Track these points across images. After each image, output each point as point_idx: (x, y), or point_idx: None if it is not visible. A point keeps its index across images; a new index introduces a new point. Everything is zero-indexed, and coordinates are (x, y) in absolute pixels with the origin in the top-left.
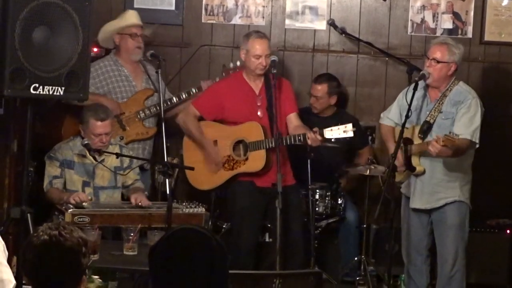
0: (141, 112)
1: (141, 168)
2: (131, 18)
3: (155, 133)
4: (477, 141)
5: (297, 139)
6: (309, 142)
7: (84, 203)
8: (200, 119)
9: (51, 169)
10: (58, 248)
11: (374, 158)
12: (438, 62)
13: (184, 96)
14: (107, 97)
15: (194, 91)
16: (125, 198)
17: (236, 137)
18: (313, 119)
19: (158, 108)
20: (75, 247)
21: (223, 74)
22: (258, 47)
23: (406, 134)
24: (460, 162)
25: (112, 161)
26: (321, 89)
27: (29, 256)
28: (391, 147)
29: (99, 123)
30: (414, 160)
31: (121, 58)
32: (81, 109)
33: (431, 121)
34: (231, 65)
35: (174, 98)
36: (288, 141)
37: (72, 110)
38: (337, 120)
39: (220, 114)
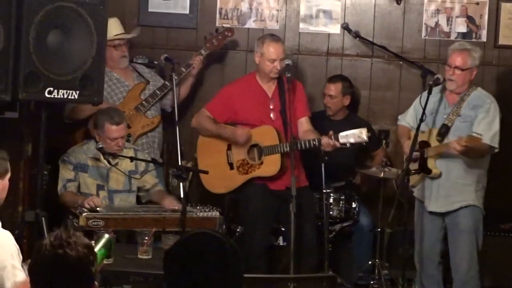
0: (139, 106)
1: (154, 161)
2: (112, 30)
3: (160, 121)
4: (496, 145)
5: (312, 143)
6: (323, 147)
7: (98, 208)
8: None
9: (65, 173)
10: (66, 262)
11: (389, 160)
12: (462, 70)
13: (176, 78)
14: (105, 102)
15: (183, 70)
16: (143, 202)
17: (250, 141)
18: (325, 122)
19: (155, 97)
20: (82, 257)
21: (206, 44)
22: (272, 50)
23: (422, 137)
24: (476, 167)
25: (126, 164)
26: (335, 88)
27: (38, 271)
28: (406, 144)
29: (114, 127)
30: (430, 163)
31: (108, 66)
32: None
33: (449, 124)
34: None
35: (167, 82)
36: (302, 145)
37: (75, 122)
38: (349, 123)
39: (232, 116)
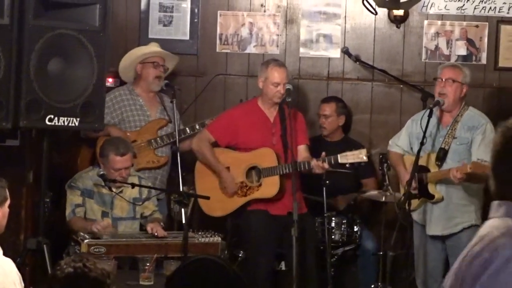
0: (153, 140)
1: (156, 188)
2: (154, 47)
3: (166, 163)
4: None
5: (302, 166)
6: (314, 170)
7: (105, 231)
8: (214, 145)
9: (73, 198)
10: (84, 279)
11: (389, 184)
12: (454, 81)
13: (198, 127)
14: (115, 126)
15: (198, 127)
16: (143, 228)
17: (249, 163)
18: (323, 145)
19: (170, 138)
20: (99, 277)
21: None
22: (276, 75)
23: (421, 162)
24: (475, 187)
25: (131, 192)
26: (329, 108)
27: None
28: (402, 172)
29: (118, 158)
30: (431, 188)
31: (138, 88)
32: (96, 139)
33: (446, 147)
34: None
35: (188, 129)
36: (301, 167)
37: (88, 140)
38: (345, 145)
39: (234, 140)
